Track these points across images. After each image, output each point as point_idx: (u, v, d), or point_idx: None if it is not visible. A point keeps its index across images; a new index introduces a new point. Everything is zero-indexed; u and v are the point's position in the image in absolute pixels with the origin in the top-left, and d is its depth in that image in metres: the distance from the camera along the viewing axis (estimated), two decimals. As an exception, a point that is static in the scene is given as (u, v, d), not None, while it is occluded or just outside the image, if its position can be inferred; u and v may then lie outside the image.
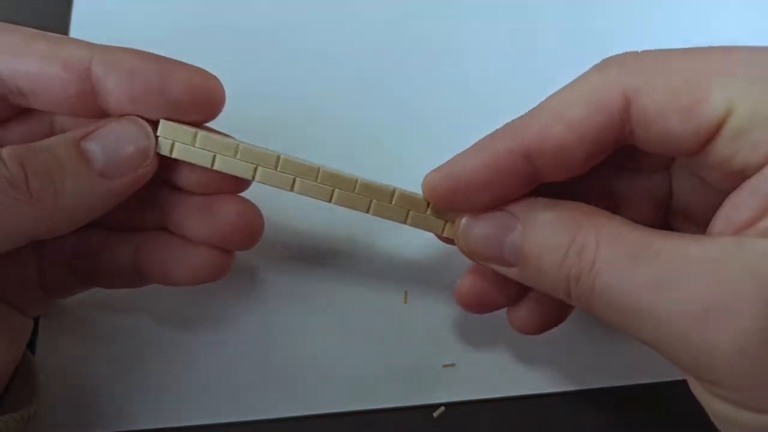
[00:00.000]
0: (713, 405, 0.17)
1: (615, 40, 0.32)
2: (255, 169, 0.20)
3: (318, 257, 0.27)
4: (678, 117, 0.17)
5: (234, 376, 0.25)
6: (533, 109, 0.19)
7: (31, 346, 0.24)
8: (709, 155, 0.17)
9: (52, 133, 0.21)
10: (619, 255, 0.17)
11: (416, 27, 0.32)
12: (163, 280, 0.22)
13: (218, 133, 0.21)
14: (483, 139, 0.19)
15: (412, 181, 0.21)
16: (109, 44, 0.19)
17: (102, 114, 0.19)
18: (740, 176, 0.17)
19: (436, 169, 0.20)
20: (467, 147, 0.19)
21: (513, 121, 0.19)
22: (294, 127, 0.28)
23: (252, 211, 0.22)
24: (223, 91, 0.20)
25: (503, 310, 0.24)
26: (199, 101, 0.19)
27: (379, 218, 0.21)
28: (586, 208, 0.19)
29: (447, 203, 0.20)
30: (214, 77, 0.20)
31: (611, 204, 0.21)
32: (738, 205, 0.17)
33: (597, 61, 0.19)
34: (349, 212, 0.21)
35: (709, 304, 0.16)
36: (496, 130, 0.19)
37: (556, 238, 0.18)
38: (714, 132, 0.16)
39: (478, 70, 0.31)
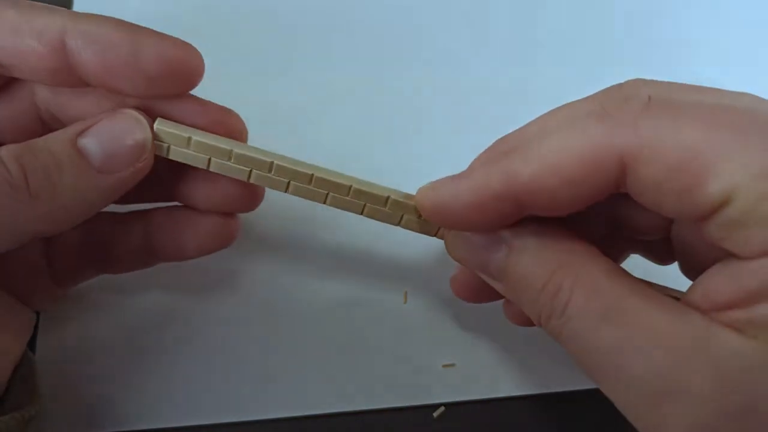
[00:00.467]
0: None
1: (615, 43, 0.32)
2: (250, 173, 0.20)
3: (318, 257, 0.27)
4: (673, 195, 0.16)
5: (234, 377, 0.25)
6: (527, 149, 0.18)
7: (31, 345, 0.24)
8: (701, 229, 0.17)
9: (34, 104, 0.20)
10: (589, 309, 0.17)
11: (417, 28, 0.32)
12: (174, 254, 0.22)
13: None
14: (474, 171, 0.19)
15: (409, 176, 0.21)
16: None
17: (82, 84, 0.19)
18: (727, 256, 0.16)
19: (427, 188, 0.20)
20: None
21: (505, 157, 0.18)
22: (295, 127, 0.28)
23: None
24: (202, 61, 0.20)
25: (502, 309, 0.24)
26: (175, 72, 0.19)
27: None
28: (570, 245, 0.18)
29: (438, 222, 0.20)
30: (191, 47, 0.19)
31: (608, 215, 0.21)
32: (718, 285, 0.16)
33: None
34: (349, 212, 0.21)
35: (663, 386, 0.16)
36: (489, 163, 0.18)
37: (535, 271, 0.18)
38: (708, 215, 0.16)
39: (477, 73, 0.31)
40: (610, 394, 0.17)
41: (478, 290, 0.23)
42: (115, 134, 0.19)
